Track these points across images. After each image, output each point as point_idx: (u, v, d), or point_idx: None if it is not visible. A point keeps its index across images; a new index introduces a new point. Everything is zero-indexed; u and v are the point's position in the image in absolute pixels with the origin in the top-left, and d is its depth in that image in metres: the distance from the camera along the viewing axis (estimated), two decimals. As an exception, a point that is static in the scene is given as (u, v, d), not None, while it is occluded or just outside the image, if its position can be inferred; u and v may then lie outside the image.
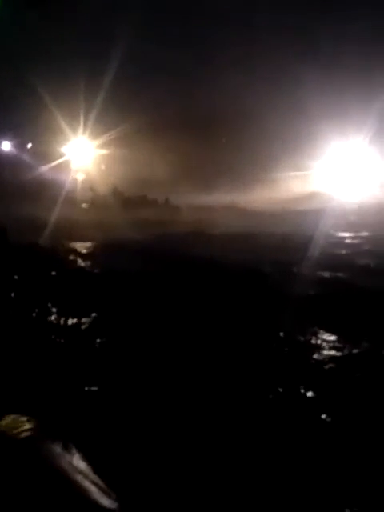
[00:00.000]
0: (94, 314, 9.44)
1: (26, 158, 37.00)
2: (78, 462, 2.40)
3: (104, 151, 36.92)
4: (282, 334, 8.57)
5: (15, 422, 2.69)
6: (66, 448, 2.49)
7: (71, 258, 16.00)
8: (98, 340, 8.12)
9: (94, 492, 2.24)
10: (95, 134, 35.56)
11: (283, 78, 33.34)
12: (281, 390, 6.46)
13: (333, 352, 7.82)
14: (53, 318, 8.98)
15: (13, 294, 10.30)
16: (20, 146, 37.88)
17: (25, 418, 2.66)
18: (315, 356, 7.69)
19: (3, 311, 9.16)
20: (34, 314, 9.10)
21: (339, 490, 4.55)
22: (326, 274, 13.10)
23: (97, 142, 36.19)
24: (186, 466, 4.75)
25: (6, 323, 8.48)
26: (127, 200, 31.80)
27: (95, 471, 2.35)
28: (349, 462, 4.95)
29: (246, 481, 4.63)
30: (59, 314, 9.11)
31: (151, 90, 33.99)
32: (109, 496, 2.21)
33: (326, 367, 7.30)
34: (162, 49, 33.74)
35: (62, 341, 8.07)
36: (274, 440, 5.29)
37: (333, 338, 8.37)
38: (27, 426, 2.65)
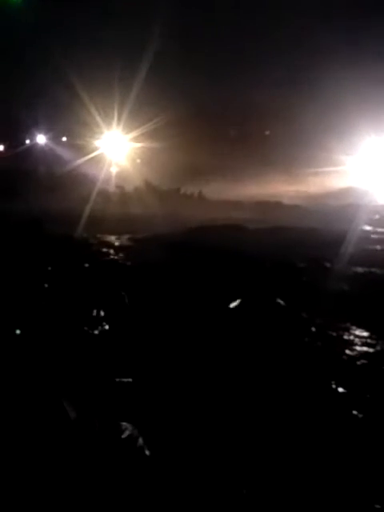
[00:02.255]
0: (126, 306, 9.50)
1: (60, 151, 37.31)
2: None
3: (138, 144, 37.03)
4: (314, 328, 8.53)
5: None
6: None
7: (104, 250, 16.10)
8: (131, 331, 8.16)
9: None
10: (129, 128, 35.70)
11: (318, 72, 33.03)
12: (312, 384, 6.44)
13: (365, 348, 7.76)
14: (85, 309, 9.04)
15: (46, 285, 10.41)
16: (55, 139, 38.20)
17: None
18: (347, 352, 7.64)
19: (37, 302, 9.25)
20: (67, 305, 9.18)
21: (368, 485, 4.53)
22: (360, 270, 12.99)
23: (131, 136, 36.32)
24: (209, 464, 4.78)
25: (40, 314, 8.57)
26: (161, 193, 31.88)
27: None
28: (379, 458, 4.92)
29: (274, 474, 4.64)
30: (92, 305, 9.18)
31: (186, 82, 33.94)
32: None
33: (358, 363, 7.25)
34: (196, 39, 33.67)
35: (96, 332, 8.13)
36: (305, 434, 5.28)
37: (365, 333, 8.31)
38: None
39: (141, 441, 4.13)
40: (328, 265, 13.32)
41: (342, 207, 26.94)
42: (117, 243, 17.76)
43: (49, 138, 38.12)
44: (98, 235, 18.93)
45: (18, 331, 7.45)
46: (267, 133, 39.13)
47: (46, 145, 38.09)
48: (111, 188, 34.32)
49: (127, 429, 4.13)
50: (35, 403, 5.09)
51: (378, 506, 4.27)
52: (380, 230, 21.85)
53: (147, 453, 4.29)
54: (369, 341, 8.04)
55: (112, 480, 3.94)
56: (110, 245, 17.24)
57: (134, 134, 35.84)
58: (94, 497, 3.88)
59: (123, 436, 4.09)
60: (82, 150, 35.98)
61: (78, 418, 4.53)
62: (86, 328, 8.16)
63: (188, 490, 4.27)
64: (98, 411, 4.89)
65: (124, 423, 4.24)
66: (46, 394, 5.27)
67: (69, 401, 4.64)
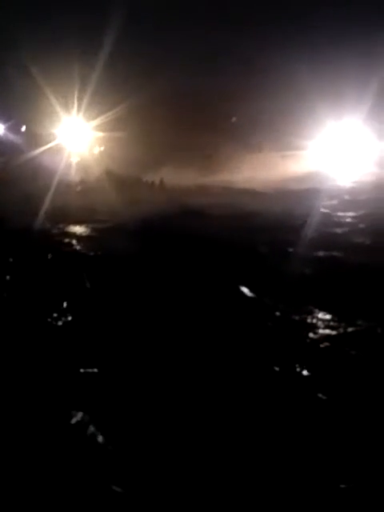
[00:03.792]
0: (90, 297, 9.47)
1: (19, 141, 36.79)
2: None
3: (99, 133, 36.73)
4: (277, 313, 8.60)
5: None
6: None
7: (66, 240, 15.97)
8: (96, 321, 8.14)
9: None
10: (90, 116, 35.38)
11: (278, 57, 33.11)
12: (276, 368, 6.50)
13: (328, 331, 7.86)
14: (48, 300, 8.99)
15: (8, 277, 10.31)
16: (14, 128, 37.65)
17: None
18: (310, 335, 7.72)
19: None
20: (29, 297, 9.12)
21: (335, 471, 4.60)
22: (321, 253, 13.11)
23: (91, 124, 36.01)
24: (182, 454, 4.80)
25: (2, 305, 8.50)
26: (122, 182, 31.66)
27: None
28: (344, 440, 4.99)
29: (242, 464, 4.68)
30: (55, 297, 9.13)
31: (149, 70, 33.72)
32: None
33: (322, 346, 7.34)
34: (158, 26, 33.43)
35: (59, 323, 8.09)
36: (270, 418, 5.33)
37: (328, 316, 8.40)
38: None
39: (92, 428, 4.14)
40: (290, 249, 13.43)
41: (302, 192, 27.14)
42: (79, 233, 17.62)
43: (7, 128, 37.57)
44: (60, 226, 18.76)
45: None
46: (234, 119, 39.18)
47: (4, 135, 37.55)
48: (72, 177, 34.00)
49: (76, 416, 4.14)
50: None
51: (342, 486, 4.34)
52: (340, 213, 22.04)
53: (100, 440, 4.30)
54: (331, 323, 8.13)
55: (56, 463, 3.96)
56: (72, 235, 17.10)
57: (95, 122, 35.56)
58: (37, 480, 3.90)
59: (72, 422, 4.09)
60: (42, 140, 35.55)
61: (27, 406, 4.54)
62: (49, 319, 8.12)
63: (141, 476, 4.29)
64: (51, 400, 4.89)
65: (74, 411, 4.27)
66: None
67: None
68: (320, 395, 5.82)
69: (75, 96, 33.55)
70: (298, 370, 6.47)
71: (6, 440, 4.36)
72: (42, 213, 20.11)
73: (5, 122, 37.73)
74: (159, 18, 32.74)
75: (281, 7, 31.84)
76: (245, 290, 9.72)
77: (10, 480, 3.93)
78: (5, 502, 3.76)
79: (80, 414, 4.21)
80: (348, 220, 20.45)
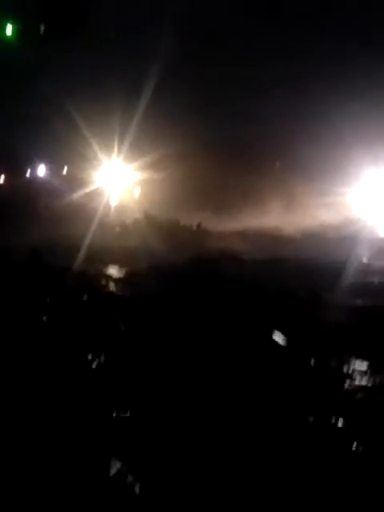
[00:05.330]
0: (124, 339, 9.50)
1: (60, 183, 37.44)
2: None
3: (138, 176, 37.18)
4: (313, 361, 8.51)
5: None
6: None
7: (103, 282, 16.10)
8: (129, 364, 8.15)
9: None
10: (129, 159, 35.87)
11: (317, 104, 33.34)
12: (311, 418, 6.41)
13: (364, 381, 7.74)
14: (83, 342, 9.04)
15: (45, 318, 10.41)
16: (55, 170, 38.36)
17: None
18: (346, 384, 7.62)
19: (36, 334, 9.25)
20: (64, 338, 9.18)
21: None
22: (359, 302, 12.99)
23: (131, 167, 36.48)
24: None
25: (39, 346, 8.56)
26: (160, 225, 31.89)
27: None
28: (378, 491, 4.89)
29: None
30: (90, 338, 9.18)
31: (189, 115, 34.14)
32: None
33: (357, 396, 7.23)
34: (198, 71, 33.93)
35: (93, 366, 8.13)
36: (304, 468, 5.24)
37: (364, 366, 8.29)
38: None
39: (130, 478, 4.10)
40: (327, 296, 13.32)
41: (341, 239, 27.01)
42: (116, 275, 17.76)
43: (49, 170, 38.27)
44: (97, 267, 18.93)
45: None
46: (278, 165, 39.33)
47: (45, 177, 38.25)
48: (111, 220, 34.37)
49: (116, 465, 4.11)
50: (29, 437, 5.08)
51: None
52: (378, 262, 21.87)
53: (137, 490, 4.26)
54: (368, 373, 8.02)
55: None
56: (108, 277, 17.24)
57: (134, 166, 36.02)
58: None
59: (112, 472, 4.06)
60: (82, 183, 36.10)
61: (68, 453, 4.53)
62: (83, 361, 8.15)
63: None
64: (90, 446, 4.88)
65: (113, 459, 4.23)
66: (40, 429, 5.26)
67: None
68: (355, 447, 5.71)
69: (116, 141, 34.12)
70: (333, 420, 6.37)
71: (54, 487, 4.35)
72: (80, 254, 20.34)
73: (47, 164, 38.50)
74: (201, 68, 33.25)
75: (319, 50, 32.11)
76: (279, 336, 9.66)
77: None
78: None
79: (118, 464, 4.17)
80: (386, 269, 20.28)
